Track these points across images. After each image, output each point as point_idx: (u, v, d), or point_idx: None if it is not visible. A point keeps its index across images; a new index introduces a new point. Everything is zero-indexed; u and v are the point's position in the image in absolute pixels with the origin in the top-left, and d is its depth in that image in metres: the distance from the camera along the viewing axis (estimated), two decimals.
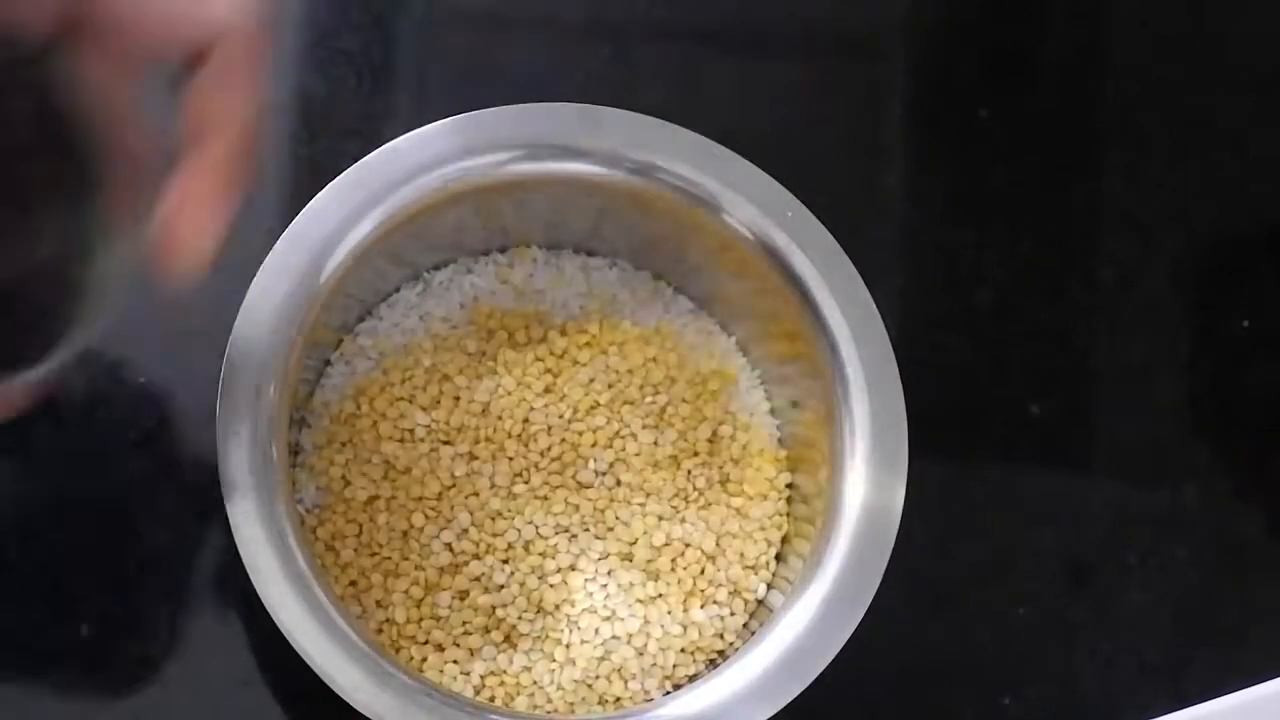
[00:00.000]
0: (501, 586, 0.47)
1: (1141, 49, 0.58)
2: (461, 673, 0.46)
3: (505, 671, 0.46)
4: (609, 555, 0.47)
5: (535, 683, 0.46)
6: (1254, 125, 0.58)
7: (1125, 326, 0.55)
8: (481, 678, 0.46)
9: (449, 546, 0.47)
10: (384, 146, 0.45)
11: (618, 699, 0.47)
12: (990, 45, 0.58)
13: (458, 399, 0.48)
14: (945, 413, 0.52)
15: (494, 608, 0.46)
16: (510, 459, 0.48)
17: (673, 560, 0.48)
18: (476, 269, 0.50)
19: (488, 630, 0.46)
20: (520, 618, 0.46)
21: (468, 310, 0.50)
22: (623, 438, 0.48)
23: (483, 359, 0.49)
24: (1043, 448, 0.54)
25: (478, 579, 0.47)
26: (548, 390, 0.49)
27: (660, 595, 0.47)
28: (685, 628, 0.47)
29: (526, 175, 0.46)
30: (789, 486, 0.49)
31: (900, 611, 0.47)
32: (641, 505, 0.48)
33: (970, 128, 0.56)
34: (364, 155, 0.45)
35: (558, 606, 0.47)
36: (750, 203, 0.46)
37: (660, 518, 0.48)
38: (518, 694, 0.46)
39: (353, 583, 0.47)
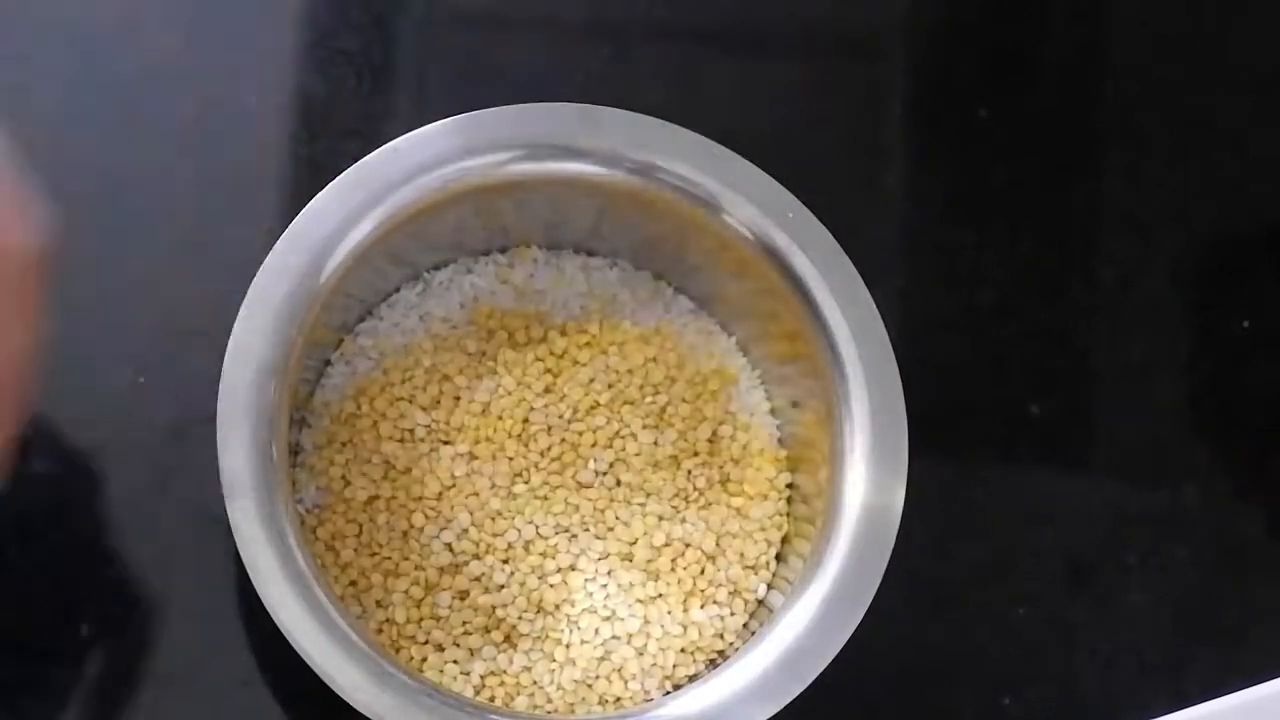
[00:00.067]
0: (501, 586, 0.47)
1: (1141, 49, 0.58)
2: (461, 673, 0.46)
3: (505, 671, 0.46)
4: (609, 555, 0.47)
5: (535, 683, 0.46)
6: (1254, 125, 0.58)
7: (1125, 326, 0.55)
8: (481, 678, 0.46)
9: (449, 546, 0.47)
10: (384, 146, 0.45)
11: (618, 699, 0.47)
12: (990, 45, 0.58)
13: (458, 399, 0.48)
14: (945, 413, 0.52)
15: (494, 608, 0.46)
16: (510, 459, 0.48)
17: (673, 560, 0.48)
18: (476, 269, 0.50)
19: (488, 630, 0.46)
20: (520, 618, 0.46)
21: (468, 310, 0.50)
22: (623, 438, 0.48)
23: (483, 359, 0.49)
24: (1043, 448, 0.54)
25: (478, 579, 0.47)
26: (548, 390, 0.49)
27: (660, 595, 0.47)
28: (685, 628, 0.47)
29: (526, 175, 0.46)
30: (789, 486, 0.49)
31: (900, 612, 0.47)
32: (641, 505, 0.48)
33: (970, 128, 0.56)
34: (364, 155, 0.45)
35: (558, 606, 0.47)
36: (750, 203, 0.46)
37: (660, 518, 0.48)
38: (518, 694, 0.46)
39: (353, 583, 0.47)
